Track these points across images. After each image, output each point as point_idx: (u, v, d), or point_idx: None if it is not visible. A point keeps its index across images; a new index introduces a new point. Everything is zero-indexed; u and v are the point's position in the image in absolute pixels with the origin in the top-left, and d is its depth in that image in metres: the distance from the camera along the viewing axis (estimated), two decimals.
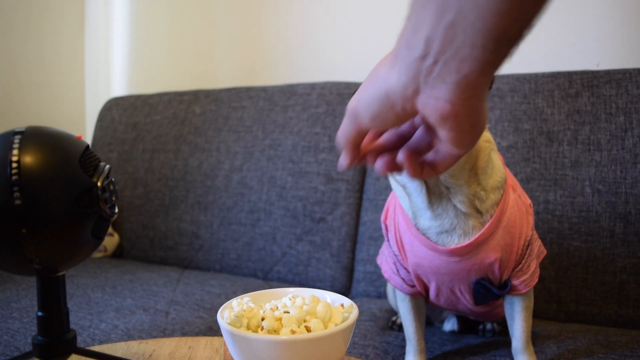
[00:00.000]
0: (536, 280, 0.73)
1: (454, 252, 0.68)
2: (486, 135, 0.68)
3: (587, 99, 1.08)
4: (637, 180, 1.00)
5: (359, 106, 0.39)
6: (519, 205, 0.70)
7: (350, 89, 1.36)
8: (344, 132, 0.42)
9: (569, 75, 1.12)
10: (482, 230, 0.67)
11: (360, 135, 0.42)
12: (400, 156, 0.43)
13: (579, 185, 1.05)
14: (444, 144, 0.37)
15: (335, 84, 1.39)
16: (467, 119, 0.34)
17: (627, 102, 1.05)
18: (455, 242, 0.68)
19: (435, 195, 0.67)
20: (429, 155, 0.42)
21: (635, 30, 1.21)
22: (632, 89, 1.05)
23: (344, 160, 0.45)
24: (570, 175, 1.06)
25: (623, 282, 0.99)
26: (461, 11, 0.29)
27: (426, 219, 0.69)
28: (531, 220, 0.72)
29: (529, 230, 0.71)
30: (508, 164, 1.09)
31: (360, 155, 0.45)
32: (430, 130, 0.42)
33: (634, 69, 1.07)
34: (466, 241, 0.67)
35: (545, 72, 1.15)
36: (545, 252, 0.77)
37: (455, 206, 0.66)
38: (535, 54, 1.30)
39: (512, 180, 0.73)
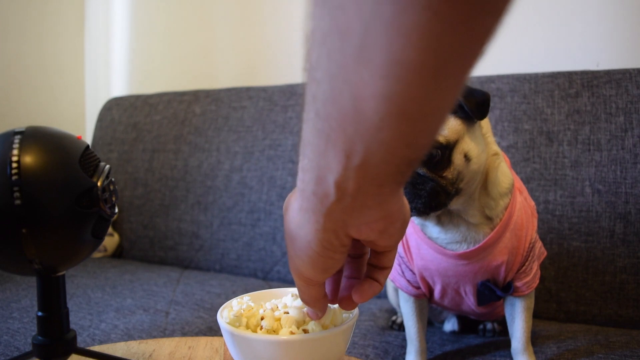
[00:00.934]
0: (537, 281, 0.73)
1: (462, 256, 0.69)
2: (494, 148, 0.69)
3: (587, 99, 1.08)
4: (637, 180, 1.00)
5: (306, 273, 0.39)
6: (525, 208, 0.71)
7: None
8: (309, 296, 0.42)
9: (569, 75, 1.12)
10: (491, 234, 0.67)
11: (322, 288, 0.42)
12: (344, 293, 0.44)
13: (579, 185, 1.05)
14: (382, 245, 0.39)
15: None
16: (398, 217, 0.36)
17: (627, 102, 1.05)
18: (464, 248, 0.68)
19: (446, 215, 0.68)
20: (368, 273, 0.43)
21: (635, 30, 1.21)
22: (632, 89, 1.05)
23: (316, 315, 0.46)
24: (570, 175, 1.06)
25: (623, 282, 0.99)
26: (369, 151, 0.28)
27: (434, 232, 0.70)
28: (535, 222, 0.73)
29: (533, 233, 0.72)
30: None
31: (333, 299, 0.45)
32: (358, 248, 0.43)
33: (634, 69, 1.07)
34: (475, 246, 0.68)
35: (545, 72, 1.15)
36: (545, 253, 0.77)
37: (466, 220, 0.67)
38: (535, 54, 1.29)
39: (519, 183, 0.73)
